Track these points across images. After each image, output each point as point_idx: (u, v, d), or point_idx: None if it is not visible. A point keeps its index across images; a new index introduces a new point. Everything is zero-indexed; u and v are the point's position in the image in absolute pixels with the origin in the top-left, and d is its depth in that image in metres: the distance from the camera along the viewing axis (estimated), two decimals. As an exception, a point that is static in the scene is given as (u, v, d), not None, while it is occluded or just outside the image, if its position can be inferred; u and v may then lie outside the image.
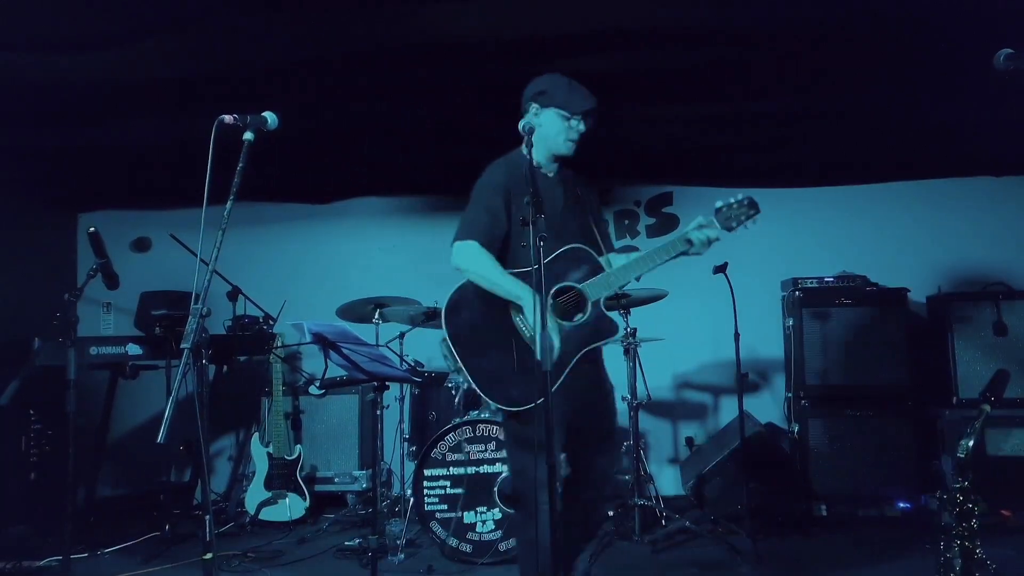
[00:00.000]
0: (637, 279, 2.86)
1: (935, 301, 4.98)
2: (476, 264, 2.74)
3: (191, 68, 3.70)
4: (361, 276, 5.60)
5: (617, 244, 5.84)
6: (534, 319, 2.45)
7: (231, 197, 2.28)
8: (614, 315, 2.84)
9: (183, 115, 4.15)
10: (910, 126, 4.71)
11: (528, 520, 2.70)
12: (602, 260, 2.86)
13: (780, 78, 4.07)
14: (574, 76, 3.91)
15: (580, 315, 2.72)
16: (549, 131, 2.83)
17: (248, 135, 2.40)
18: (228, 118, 2.37)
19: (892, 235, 5.45)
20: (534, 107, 2.88)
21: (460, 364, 2.75)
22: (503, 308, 2.76)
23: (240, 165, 2.33)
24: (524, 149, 2.64)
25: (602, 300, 2.77)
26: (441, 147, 5.06)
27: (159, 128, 4.47)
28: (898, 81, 4.05)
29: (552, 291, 2.73)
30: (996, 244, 5.32)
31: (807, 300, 4.88)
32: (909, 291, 4.87)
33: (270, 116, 2.45)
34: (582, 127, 2.86)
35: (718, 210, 2.81)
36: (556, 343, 2.62)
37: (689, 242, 2.79)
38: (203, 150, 2.29)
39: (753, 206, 2.84)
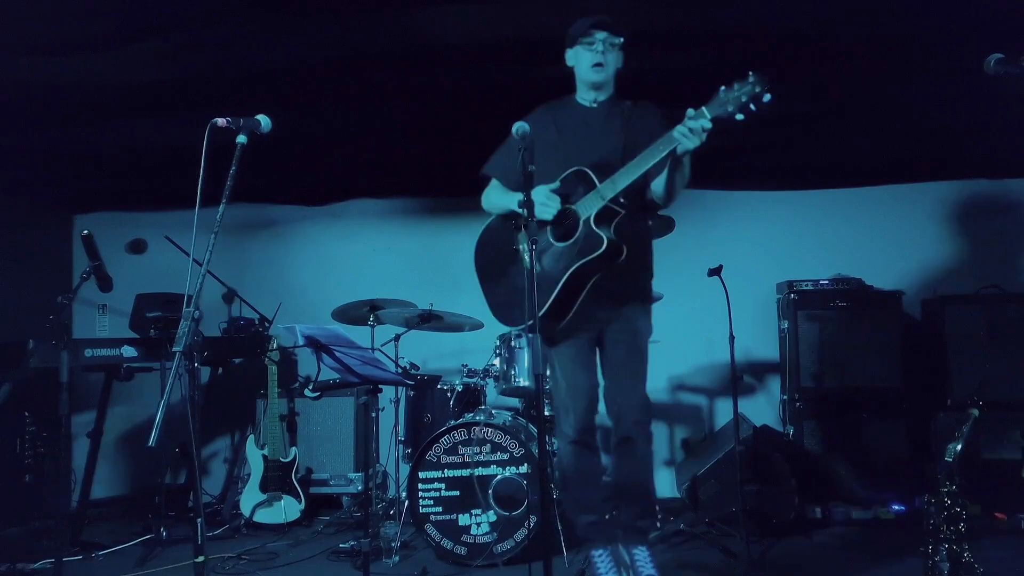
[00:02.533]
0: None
1: (930, 304, 4.98)
2: (487, 198, 3.11)
3: (186, 70, 3.71)
4: (356, 278, 5.60)
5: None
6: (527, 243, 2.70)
7: (223, 200, 2.27)
8: (603, 231, 2.76)
9: (178, 117, 4.15)
10: (906, 129, 4.72)
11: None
12: (595, 179, 2.84)
13: (776, 81, 4.07)
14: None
15: (575, 232, 2.78)
16: (579, 66, 2.99)
17: (241, 138, 2.40)
18: (221, 121, 2.37)
19: (887, 238, 5.46)
20: (568, 54, 3.03)
21: (482, 291, 3.06)
22: (511, 240, 2.97)
23: (233, 168, 2.33)
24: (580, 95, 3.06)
25: (592, 216, 2.77)
26: (437, 149, 5.06)
27: (154, 130, 4.48)
28: (896, 83, 4.06)
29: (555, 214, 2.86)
30: (991, 247, 5.33)
31: (802, 303, 4.88)
32: (904, 294, 4.88)
33: (263, 119, 2.45)
34: (600, 46, 2.92)
35: (715, 96, 2.60)
36: (546, 263, 2.82)
37: (672, 140, 2.68)
38: (198, 152, 2.29)
39: (760, 83, 2.52)
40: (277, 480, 4.83)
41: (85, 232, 4.06)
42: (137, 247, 6.15)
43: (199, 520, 2.18)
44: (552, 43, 3.58)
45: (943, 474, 2.76)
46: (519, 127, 2.69)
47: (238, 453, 5.45)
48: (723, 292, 4.02)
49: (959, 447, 2.74)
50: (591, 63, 2.91)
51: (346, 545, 4.20)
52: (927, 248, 5.41)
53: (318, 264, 5.94)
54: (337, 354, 2.76)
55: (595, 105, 3.00)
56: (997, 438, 4.53)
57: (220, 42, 3.46)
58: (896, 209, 5.51)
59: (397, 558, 4.03)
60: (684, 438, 5.45)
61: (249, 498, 4.81)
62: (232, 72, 3.76)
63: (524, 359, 4.36)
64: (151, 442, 2.00)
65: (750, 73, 2.57)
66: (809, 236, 5.55)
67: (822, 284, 4.95)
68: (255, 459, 4.86)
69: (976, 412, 2.79)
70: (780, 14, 3.32)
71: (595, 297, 2.86)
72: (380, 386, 3.50)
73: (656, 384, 5.41)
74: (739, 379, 4.12)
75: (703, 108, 2.62)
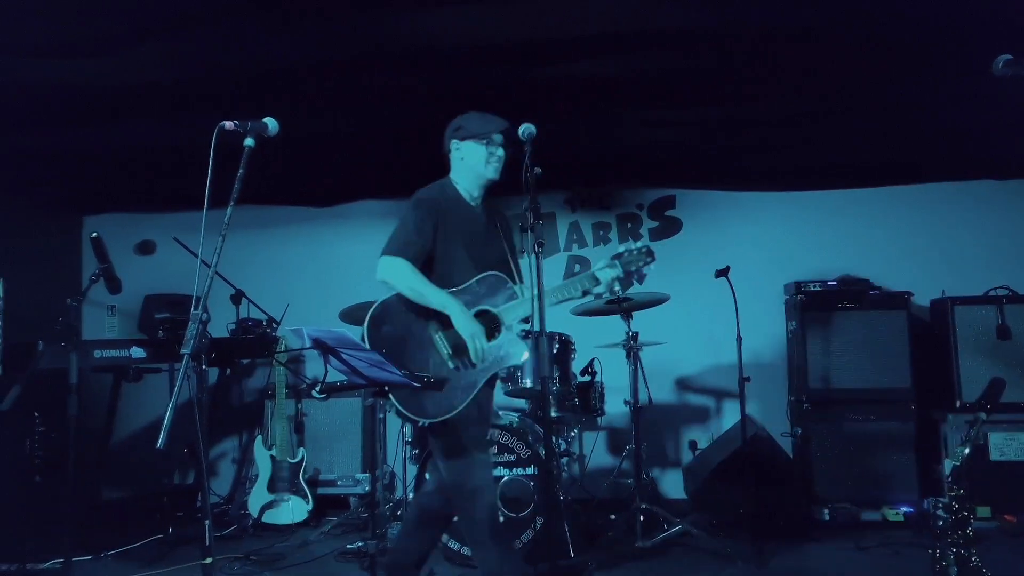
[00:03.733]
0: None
1: (938, 305, 4.96)
2: (405, 278, 2.88)
3: (191, 71, 3.72)
4: (364, 279, 5.56)
5: (620, 248, 5.82)
6: (465, 329, 2.76)
7: (231, 203, 2.28)
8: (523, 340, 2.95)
9: (185, 119, 4.17)
10: (913, 129, 4.71)
11: (473, 525, 2.85)
12: (516, 288, 2.99)
13: (781, 81, 4.07)
14: (574, 80, 3.93)
15: (496, 336, 2.84)
16: (472, 160, 2.96)
17: (249, 141, 2.40)
18: (229, 124, 2.37)
19: (895, 239, 5.44)
20: (455, 143, 3.03)
21: None
22: (423, 324, 2.87)
23: (240, 171, 2.34)
24: (452, 178, 3.03)
25: (515, 325, 2.89)
26: (440, 149, 5.06)
27: (162, 132, 4.49)
28: (901, 84, 4.04)
29: (471, 313, 2.86)
30: (999, 247, 5.30)
31: (809, 304, 4.87)
32: (912, 295, 4.87)
33: (271, 122, 2.46)
34: (501, 152, 2.96)
35: (619, 254, 2.93)
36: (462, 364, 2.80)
37: (596, 280, 2.89)
38: (206, 154, 2.30)
39: (650, 254, 2.95)
40: (285, 481, 4.84)
41: (94, 234, 4.08)
42: (145, 248, 6.18)
43: (207, 522, 2.20)
44: (552, 43, 3.60)
45: (951, 477, 2.75)
46: (525, 129, 2.71)
47: (246, 454, 5.47)
48: (730, 293, 4.02)
49: (967, 451, 2.73)
50: (488, 162, 2.96)
51: (353, 546, 4.22)
52: (935, 248, 5.39)
53: (325, 265, 5.95)
54: (344, 356, 2.75)
55: (475, 204, 3.05)
56: (1007, 440, 4.51)
57: (225, 44, 3.47)
58: (903, 210, 5.50)
59: (404, 559, 4.03)
60: (691, 439, 5.44)
61: (257, 499, 4.83)
62: (238, 74, 3.77)
63: (530, 361, 4.36)
64: (159, 444, 2.01)
65: (646, 245, 2.94)
66: (816, 237, 5.54)
67: (829, 285, 4.93)
68: (263, 460, 4.88)
69: (984, 416, 2.78)
70: (780, 14, 3.31)
71: (489, 395, 3.02)
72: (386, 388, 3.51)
73: (664, 385, 5.44)
74: (746, 380, 4.11)
75: (616, 262, 2.90)
